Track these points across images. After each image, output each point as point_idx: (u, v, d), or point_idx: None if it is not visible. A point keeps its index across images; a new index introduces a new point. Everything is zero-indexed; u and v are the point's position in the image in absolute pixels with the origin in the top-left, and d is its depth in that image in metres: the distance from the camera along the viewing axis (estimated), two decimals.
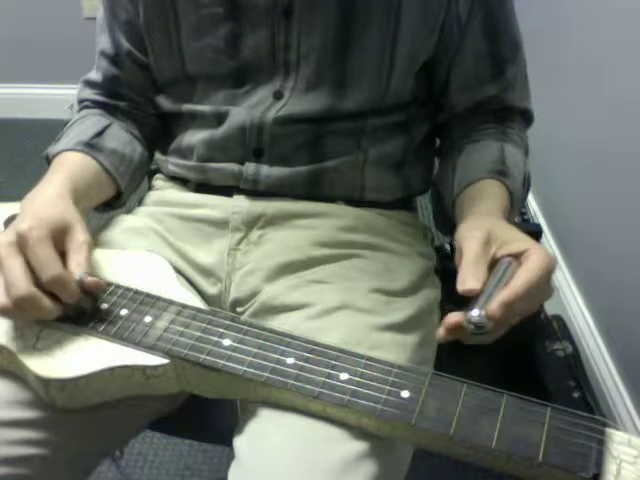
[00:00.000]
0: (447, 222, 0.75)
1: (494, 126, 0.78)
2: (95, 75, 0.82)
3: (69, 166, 0.71)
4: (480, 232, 0.58)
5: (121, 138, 0.79)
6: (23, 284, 0.55)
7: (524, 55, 0.78)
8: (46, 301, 0.56)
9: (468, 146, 0.76)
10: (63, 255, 0.60)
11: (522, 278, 0.53)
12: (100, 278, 0.60)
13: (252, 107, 0.74)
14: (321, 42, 0.71)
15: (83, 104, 0.83)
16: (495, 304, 0.51)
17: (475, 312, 0.51)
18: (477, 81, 0.76)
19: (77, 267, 0.58)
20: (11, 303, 0.55)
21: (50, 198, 0.63)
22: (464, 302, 0.53)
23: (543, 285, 0.54)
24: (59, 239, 0.60)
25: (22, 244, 0.57)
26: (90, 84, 0.83)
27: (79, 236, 0.61)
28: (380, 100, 0.74)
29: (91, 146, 0.74)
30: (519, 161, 0.74)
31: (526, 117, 0.81)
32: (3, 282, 0.56)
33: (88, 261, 0.60)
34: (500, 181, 0.69)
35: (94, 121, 0.78)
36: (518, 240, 0.58)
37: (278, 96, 0.74)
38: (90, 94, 0.82)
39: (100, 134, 0.76)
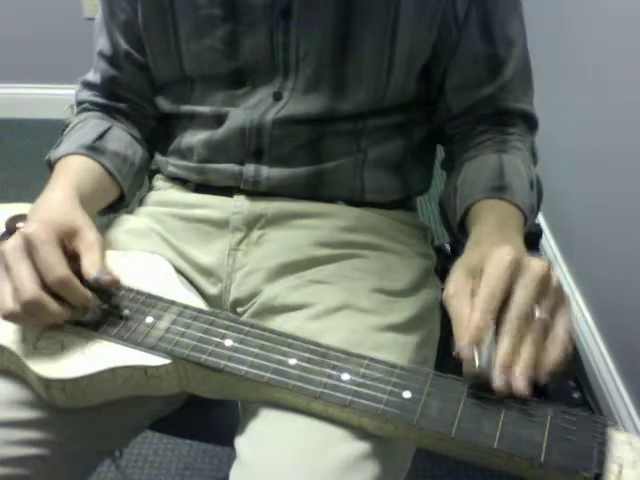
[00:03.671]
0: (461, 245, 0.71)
1: (492, 136, 0.75)
2: (93, 76, 0.82)
3: (73, 170, 0.71)
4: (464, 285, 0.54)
5: (122, 140, 0.79)
6: (29, 288, 0.55)
7: (524, 54, 0.76)
8: (53, 304, 0.56)
9: (466, 165, 0.74)
10: (75, 259, 0.60)
11: (481, 285, 0.50)
12: (115, 276, 0.60)
13: (251, 108, 0.74)
14: (320, 43, 0.70)
15: (82, 106, 0.83)
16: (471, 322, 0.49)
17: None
18: (475, 82, 0.74)
19: (92, 266, 0.58)
20: (20, 308, 0.55)
21: (56, 203, 0.64)
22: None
23: (518, 280, 0.50)
24: (68, 242, 0.60)
25: (28, 248, 0.57)
26: (89, 85, 0.83)
27: (89, 236, 0.61)
28: (379, 101, 0.74)
29: (94, 149, 0.74)
30: (521, 169, 0.71)
31: (529, 121, 0.78)
32: (11, 287, 0.56)
33: (102, 260, 0.60)
34: (499, 198, 0.66)
35: (95, 124, 0.78)
36: (484, 259, 0.53)
37: (277, 97, 0.73)
38: (89, 95, 0.82)
39: (101, 137, 0.76)
